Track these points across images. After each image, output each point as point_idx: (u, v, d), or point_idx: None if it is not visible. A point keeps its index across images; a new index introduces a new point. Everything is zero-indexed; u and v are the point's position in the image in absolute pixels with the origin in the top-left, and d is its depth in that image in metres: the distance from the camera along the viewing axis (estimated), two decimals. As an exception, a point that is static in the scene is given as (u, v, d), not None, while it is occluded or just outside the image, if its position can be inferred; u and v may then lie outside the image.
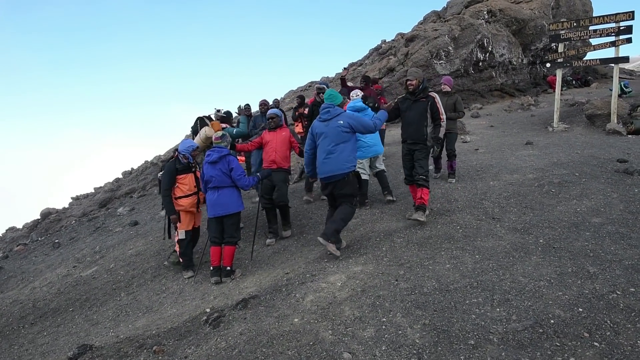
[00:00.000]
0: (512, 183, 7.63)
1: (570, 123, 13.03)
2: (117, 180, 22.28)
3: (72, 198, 21.95)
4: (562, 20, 13.72)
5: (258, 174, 7.26)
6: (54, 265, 9.65)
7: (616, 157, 8.36)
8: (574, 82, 23.42)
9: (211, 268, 6.55)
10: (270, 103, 11.33)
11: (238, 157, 7.92)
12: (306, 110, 10.56)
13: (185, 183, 7.00)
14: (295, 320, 4.32)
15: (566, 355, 3.20)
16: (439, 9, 25.59)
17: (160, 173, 7.28)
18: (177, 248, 7.38)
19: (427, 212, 6.53)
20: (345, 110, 6.49)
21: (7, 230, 18.90)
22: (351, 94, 7.91)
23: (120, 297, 6.97)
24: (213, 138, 6.78)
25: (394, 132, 13.53)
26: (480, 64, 20.78)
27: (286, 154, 7.59)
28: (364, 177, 7.72)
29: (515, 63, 22.15)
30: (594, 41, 14.04)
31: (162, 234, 8.62)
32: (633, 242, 4.93)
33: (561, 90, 13.36)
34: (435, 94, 6.69)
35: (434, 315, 3.94)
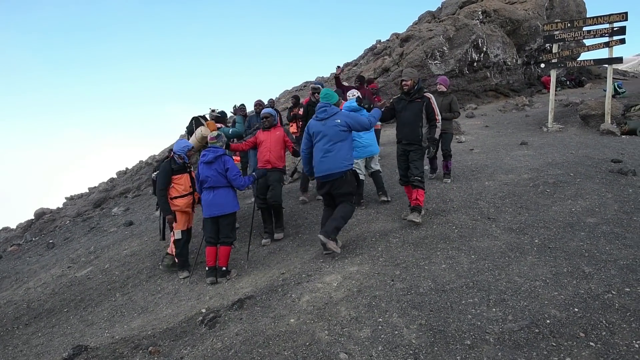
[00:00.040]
0: (507, 183, 7.65)
1: (564, 123, 13.08)
2: (111, 180, 22.18)
3: (66, 198, 21.82)
4: (556, 21, 13.80)
5: (254, 173, 7.25)
6: (49, 266, 9.60)
7: (610, 158, 8.40)
8: (568, 82, 23.52)
9: (207, 268, 6.53)
10: (265, 103, 11.31)
11: (233, 157, 7.90)
12: (301, 111, 10.55)
13: (181, 183, 6.98)
14: (292, 320, 4.32)
15: (562, 355, 3.21)
16: (433, 9, 25.64)
17: (155, 173, 7.24)
18: (169, 251, 7.36)
19: (422, 212, 6.55)
20: (341, 109, 6.49)
21: (0, 231, 18.78)
22: (348, 94, 7.91)
23: (116, 298, 6.94)
24: (208, 138, 6.76)
25: (389, 132, 13.55)
26: (475, 64, 20.83)
27: (280, 154, 7.57)
28: (360, 177, 7.73)
29: (509, 63, 22.22)
30: (588, 42, 14.12)
31: (156, 234, 8.59)
32: (628, 242, 4.96)
33: (555, 90, 13.42)
34: (431, 95, 6.69)
35: (430, 315, 3.95)
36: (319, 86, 8.85)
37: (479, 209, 6.68)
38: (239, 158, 10.75)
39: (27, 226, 17.17)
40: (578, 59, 13.47)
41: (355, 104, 7.39)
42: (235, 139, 8.74)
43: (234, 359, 3.86)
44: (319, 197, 8.80)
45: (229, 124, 10.57)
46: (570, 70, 23.64)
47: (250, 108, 11.62)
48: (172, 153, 7.04)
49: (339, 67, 10.88)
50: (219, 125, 8.46)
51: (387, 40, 25.75)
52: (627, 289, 3.96)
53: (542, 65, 13.57)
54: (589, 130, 12.03)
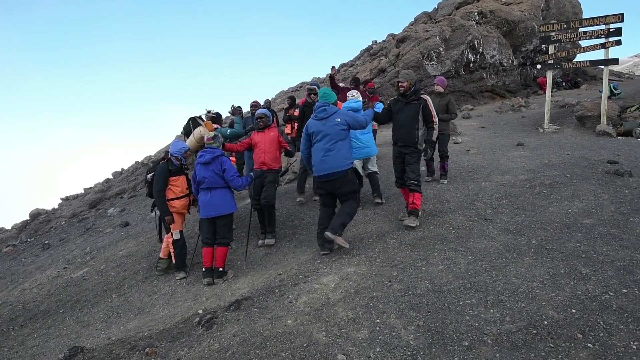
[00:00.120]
0: (504, 184, 7.66)
1: (560, 124, 13.12)
2: (107, 180, 22.10)
3: (61, 199, 21.74)
4: (552, 22, 13.81)
5: (251, 173, 7.22)
6: (44, 267, 9.56)
7: (606, 159, 8.42)
8: (564, 83, 23.60)
9: (203, 269, 6.51)
10: (262, 104, 11.30)
11: (230, 158, 7.88)
12: (296, 112, 10.53)
13: (178, 185, 6.96)
14: (289, 321, 4.31)
15: (560, 356, 3.21)
16: (429, 10, 25.66)
17: (150, 175, 7.20)
18: (162, 255, 7.34)
19: (419, 214, 6.54)
20: (339, 109, 6.49)
21: (-5, 231, 18.69)
22: (348, 94, 7.90)
23: (112, 299, 6.92)
24: (205, 139, 6.74)
25: (386, 133, 13.54)
26: (471, 65, 20.87)
27: (276, 155, 7.54)
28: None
29: (505, 64, 22.27)
30: (584, 43, 14.17)
31: (152, 235, 8.57)
32: (624, 243, 4.97)
33: (551, 91, 13.45)
34: (427, 97, 6.67)
35: (428, 316, 3.94)
36: (315, 87, 8.83)
37: (475, 209, 6.68)
38: (234, 159, 10.74)
39: (23, 227, 17.10)
40: (574, 60, 13.51)
41: (354, 104, 7.38)
42: (230, 140, 8.71)
43: (231, 361, 3.85)
44: (315, 198, 8.79)
45: (225, 125, 10.55)
46: (566, 71, 23.73)
47: (245, 109, 11.60)
48: (169, 155, 7.02)
49: (333, 67, 10.87)
50: (215, 126, 8.44)
51: (384, 41, 25.76)
52: (624, 290, 3.97)
53: (538, 66, 13.56)
54: (585, 132, 12.06)
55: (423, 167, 8.82)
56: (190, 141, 7.40)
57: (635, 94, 16.64)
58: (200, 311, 5.27)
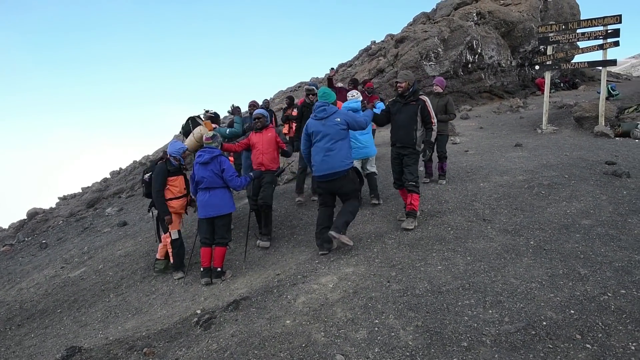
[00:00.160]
0: (502, 185, 7.67)
1: (558, 125, 13.14)
2: (105, 180, 22.06)
3: (59, 198, 21.69)
4: (550, 23, 13.82)
5: (251, 174, 7.21)
6: (41, 266, 9.54)
7: (604, 160, 8.44)
8: (561, 84, 23.62)
9: (201, 269, 6.50)
10: (260, 104, 11.28)
11: (228, 158, 7.86)
12: (295, 112, 10.52)
13: (176, 185, 6.95)
14: (287, 321, 4.30)
15: (559, 357, 3.21)
16: (428, 10, 25.68)
17: (148, 175, 7.18)
18: (159, 256, 7.32)
19: (417, 214, 6.53)
20: (339, 108, 6.49)
21: (-8, 231, 18.64)
22: (348, 94, 7.90)
23: (109, 299, 6.90)
24: (204, 138, 6.73)
25: (384, 134, 13.55)
26: (470, 65, 20.89)
27: (274, 156, 7.52)
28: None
29: (504, 65, 22.29)
30: (582, 44, 14.18)
31: (150, 235, 8.55)
32: (623, 244, 4.97)
33: (549, 92, 13.47)
34: (426, 98, 6.67)
35: (427, 317, 3.94)
36: (314, 87, 8.83)
37: (474, 210, 6.69)
38: (232, 159, 10.72)
39: (20, 226, 17.06)
40: (572, 61, 13.55)
41: (354, 104, 7.38)
42: (229, 139, 8.69)
43: (230, 361, 3.84)
44: (314, 198, 8.79)
45: (223, 124, 10.53)
46: (564, 72, 23.75)
47: (244, 109, 11.58)
48: (167, 155, 7.01)
49: (332, 69, 10.88)
50: (214, 125, 8.42)
51: (382, 41, 25.77)
52: (623, 291, 3.97)
53: (537, 67, 13.57)
54: (582, 132, 12.08)
55: (421, 168, 8.82)
56: (190, 140, 7.38)
57: (632, 95, 16.68)
58: (199, 311, 5.26)
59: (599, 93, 12.57)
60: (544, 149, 10.27)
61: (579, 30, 12.67)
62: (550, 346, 3.33)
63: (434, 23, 21.82)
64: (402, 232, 6.26)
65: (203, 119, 8.24)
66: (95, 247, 9.80)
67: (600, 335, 3.40)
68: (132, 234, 10.11)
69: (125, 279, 7.49)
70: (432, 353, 3.44)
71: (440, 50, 19.73)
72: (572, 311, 3.73)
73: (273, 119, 11.79)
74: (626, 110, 12.69)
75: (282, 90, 30.05)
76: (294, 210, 8.78)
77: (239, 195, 10.65)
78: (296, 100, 12.34)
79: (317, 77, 28.94)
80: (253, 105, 10.55)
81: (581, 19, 15.07)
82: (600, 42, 12.07)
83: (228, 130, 8.26)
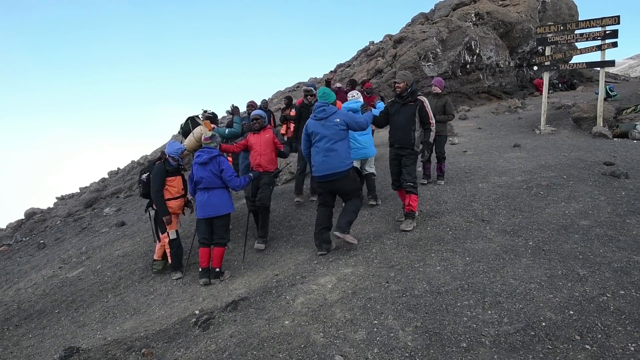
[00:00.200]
0: (501, 185, 7.67)
1: (557, 126, 13.15)
2: (103, 180, 22.03)
3: (57, 198, 21.65)
4: (548, 23, 13.84)
5: (250, 174, 7.19)
6: (39, 266, 9.51)
7: (603, 160, 8.45)
8: (560, 85, 23.64)
9: (200, 269, 6.49)
10: (259, 104, 11.26)
11: (227, 158, 7.85)
12: (293, 112, 10.51)
13: (174, 185, 6.94)
14: (286, 322, 4.29)
15: (558, 358, 3.21)
16: (427, 11, 25.69)
17: (145, 175, 7.16)
18: (156, 257, 7.31)
19: (416, 215, 6.53)
20: (339, 109, 6.48)
21: (-10, 231, 18.60)
22: (349, 95, 7.90)
23: (107, 299, 6.89)
24: (202, 138, 6.72)
25: (382, 134, 13.55)
26: (468, 66, 20.89)
27: (271, 157, 7.51)
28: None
29: (502, 66, 22.31)
30: (580, 45, 14.19)
31: (148, 235, 8.54)
32: (621, 245, 4.98)
33: (548, 93, 13.49)
34: (424, 98, 6.67)
35: (426, 317, 3.94)
36: (312, 88, 8.83)
37: (472, 210, 6.69)
38: (231, 159, 10.70)
39: (17, 226, 17.03)
40: (570, 62, 13.56)
41: (353, 104, 7.37)
42: (228, 139, 8.67)
43: (229, 362, 3.83)
44: (312, 199, 8.78)
45: (222, 125, 10.51)
46: (562, 73, 23.78)
47: (242, 109, 11.57)
48: (165, 155, 6.99)
49: (332, 72, 10.90)
50: (213, 125, 8.41)
51: (381, 41, 25.79)
52: (622, 292, 3.97)
53: (535, 67, 13.59)
54: (581, 133, 12.10)
55: (419, 169, 8.82)
56: (190, 140, 7.36)
57: (630, 95, 16.68)
58: (197, 312, 5.25)
59: (597, 94, 12.58)
60: (542, 149, 10.28)
61: (577, 31, 12.68)
62: (550, 347, 3.32)
63: (433, 24, 21.82)
64: (400, 233, 6.26)
65: (202, 119, 8.23)
66: (94, 247, 9.78)
67: (600, 336, 3.40)
68: (131, 234, 10.09)
69: (123, 279, 7.48)
70: (432, 354, 3.43)
71: (438, 50, 19.74)
72: (571, 312, 3.73)
73: (271, 119, 11.77)
74: (624, 111, 12.71)
75: (280, 91, 30.04)
76: (293, 210, 8.77)
77: (237, 195, 10.64)
78: (295, 101, 12.33)
79: (315, 78, 28.93)
80: (251, 105, 10.53)
81: (579, 19, 15.09)
82: (598, 43, 12.10)
83: (227, 130, 8.24)
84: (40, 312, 6.99)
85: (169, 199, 6.88)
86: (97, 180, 22.39)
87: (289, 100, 12.81)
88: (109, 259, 8.55)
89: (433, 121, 6.57)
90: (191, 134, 7.39)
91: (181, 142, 7.50)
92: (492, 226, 5.99)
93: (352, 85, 10.69)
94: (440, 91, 8.74)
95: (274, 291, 5.17)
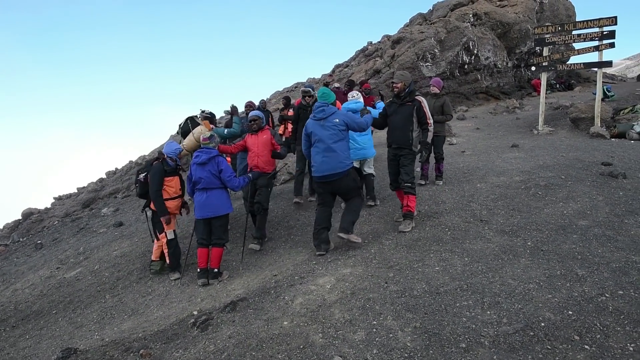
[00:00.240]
0: (499, 185, 7.67)
1: (554, 126, 13.17)
2: (100, 180, 21.98)
3: (54, 198, 21.58)
4: (546, 24, 13.88)
5: (249, 174, 7.18)
6: (37, 267, 9.49)
7: (601, 160, 8.45)
8: (557, 85, 23.69)
9: (198, 270, 6.48)
10: (257, 104, 11.25)
11: (226, 158, 7.84)
12: (291, 112, 10.51)
13: (172, 185, 6.93)
14: (285, 323, 4.28)
15: (557, 358, 3.20)
16: (425, 11, 25.72)
17: (142, 175, 7.15)
18: (154, 257, 7.30)
19: (414, 216, 6.53)
20: (338, 109, 6.48)
21: (-14, 231, 18.53)
22: (349, 95, 7.90)
23: (105, 300, 6.87)
24: (201, 139, 6.71)
25: (380, 134, 13.53)
26: (466, 66, 20.91)
27: (269, 158, 7.50)
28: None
29: (500, 66, 22.33)
30: (578, 45, 14.21)
31: (146, 235, 8.52)
32: (619, 245, 4.98)
33: (545, 93, 13.51)
34: (422, 98, 6.67)
35: (425, 318, 3.93)
36: (310, 89, 8.82)
37: (471, 211, 6.69)
38: (230, 159, 10.69)
39: (15, 226, 16.97)
40: (568, 63, 13.58)
41: (353, 105, 7.37)
42: (227, 139, 8.65)
43: (227, 362, 3.82)
44: (311, 199, 8.77)
45: (220, 125, 10.49)
46: (560, 73, 23.83)
47: (241, 109, 11.54)
48: (163, 155, 6.98)
49: (330, 74, 10.92)
50: (211, 126, 8.40)
51: (379, 42, 25.82)
52: (621, 292, 3.97)
53: (533, 68, 13.62)
54: (579, 133, 12.12)
55: (418, 169, 8.81)
56: (189, 140, 7.34)
57: (628, 96, 16.72)
58: (195, 312, 5.23)
59: (595, 94, 12.61)
60: (540, 149, 10.29)
61: (574, 32, 12.70)
62: (549, 347, 3.32)
63: (431, 24, 21.86)
64: (399, 233, 6.25)
65: (201, 119, 8.22)
66: (91, 248, 9.76)
67: (599, 336, 3.39)
68: (128, 235, 10.07)
69: (121, 279, 7.46)
70: (431, 354, 3.43)
71: (436, 51, 19.76)
72: (570, 312, 3.73)
73: (270, 119, 11.76)
74: (622, 112, 12.73)
75: (278, 91, 30.02)
76: (291, 210, 8.77)
77: (235, 195, 10.62)
78: (293, 101, 12.33)
79: (313, 78, 28.93)
80: (249, 105, 10.52)
81: (577, 20, 15.12)
82: (595, 43, 12.12)
83: (226, 130, 8.23)
84: (38, 312, 6.97)
85: (167, 199, 6.87)
86: (94, 180, 22.35)
87: (287, 101, 12.81)
88: (107, 259, 8.53)
89: (431, 121, 6.57)
90: (191, 133, 7.37)
91: (180, 143, 7.49)
92: (490, 226, 5.99)
93: (350, 85, 10.69)
94: (439, 91, 8.74)
95: (272, 292, 5.16)
